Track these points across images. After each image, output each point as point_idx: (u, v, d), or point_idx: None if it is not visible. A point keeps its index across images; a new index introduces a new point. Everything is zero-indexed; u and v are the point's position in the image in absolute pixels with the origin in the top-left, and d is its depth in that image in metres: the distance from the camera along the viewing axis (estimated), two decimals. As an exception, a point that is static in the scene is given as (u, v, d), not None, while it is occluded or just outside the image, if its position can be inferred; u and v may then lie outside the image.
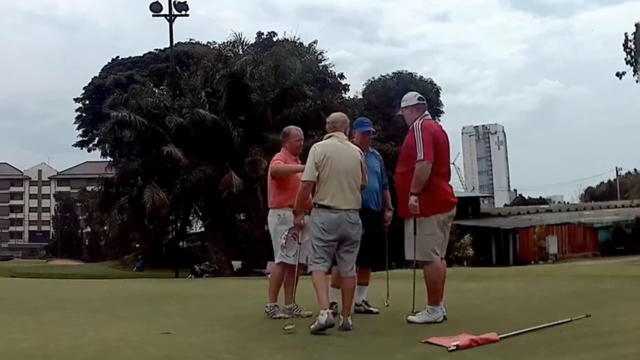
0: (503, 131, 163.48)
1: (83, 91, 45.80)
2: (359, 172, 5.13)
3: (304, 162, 5.42)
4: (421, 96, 5.67)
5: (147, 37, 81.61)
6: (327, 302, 4.94)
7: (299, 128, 6.27)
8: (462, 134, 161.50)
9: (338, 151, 5.11)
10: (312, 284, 5.06)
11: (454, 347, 3.96)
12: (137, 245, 35.65)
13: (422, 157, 5.10)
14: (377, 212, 5.93)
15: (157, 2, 27.43)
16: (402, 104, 5.58)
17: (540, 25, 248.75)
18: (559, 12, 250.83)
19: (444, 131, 5.59)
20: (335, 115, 5.50)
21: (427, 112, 5.55)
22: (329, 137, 5.27)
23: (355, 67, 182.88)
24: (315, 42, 34.02)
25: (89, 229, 78.56)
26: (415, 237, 5.17)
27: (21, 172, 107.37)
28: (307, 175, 5.10)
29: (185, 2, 27.41)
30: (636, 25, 24.18)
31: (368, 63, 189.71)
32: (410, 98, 5.59)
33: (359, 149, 5.34)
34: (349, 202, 5.04)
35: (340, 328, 4.94)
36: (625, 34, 24.15)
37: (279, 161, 5.84)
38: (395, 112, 5.77)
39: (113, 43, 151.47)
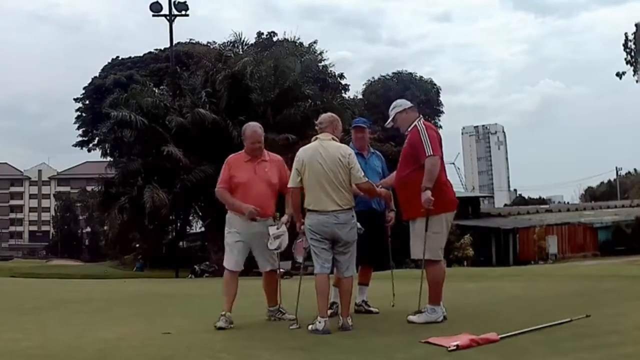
0: (503, 131, 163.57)
1: (83, 91, 45.83)
2: (340, 171, 5.04)
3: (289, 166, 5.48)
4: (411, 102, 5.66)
5: (148, 37, 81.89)
6: (326, 310, 4.97)
7: (259, 126, 5.87)
8: (462, 134, 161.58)
9: (316, 154, 5.09)
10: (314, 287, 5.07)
11: (454, 347, 3.96)
12: (137, 245, 35.64)
13: (431, 153, 5.11)
14: (379, 212, 5.91)
15: (157, 2, 27.45)
16: (397, 110, 5.50)
17: (542, 26, 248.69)
18: (561, 12, 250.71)
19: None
20: (322, 116, 5.49)
21: (420, 116, 5.51)
22: (315, 139, 5.30)
23: (357, 67, 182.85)
24: (315, 42, 34.16)
25: (89, 229, 78.66)
26: (425, 235, 5.14)
27: (21, 172, 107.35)
28: (290, 182, 5.20)
29: (185, 2, 27.43)
30: (636, 25, 24.17)
31: (370, 63, 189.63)
32: (403, 103, 5.58)
33: (345, 147, 5.25)
34: (333, 204, 5.00)
35: (340, 328, 4.95)
36: (625, 34, 24.15)
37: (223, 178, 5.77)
38: (387, 124, 5.67)
39: (114, 43, 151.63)
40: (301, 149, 5.28)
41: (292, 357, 4.13)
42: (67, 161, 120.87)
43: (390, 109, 5.57)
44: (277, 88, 25.24)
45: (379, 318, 5.71)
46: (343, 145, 5.26)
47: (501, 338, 4.21)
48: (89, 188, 61.92)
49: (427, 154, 5.10)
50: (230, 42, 29.24)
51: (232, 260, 5.51)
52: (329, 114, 5.54)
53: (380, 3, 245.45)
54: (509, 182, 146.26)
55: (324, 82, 31.52)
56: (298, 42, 31.75)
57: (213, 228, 26.38)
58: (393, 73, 44.19)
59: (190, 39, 39.56)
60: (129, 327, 5.36)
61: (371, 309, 5.98)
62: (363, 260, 5.73)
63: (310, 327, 4.94)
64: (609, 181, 77.47)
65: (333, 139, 5.23)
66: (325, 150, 5.11)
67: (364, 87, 43.46)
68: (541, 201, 74.09)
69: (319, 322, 4.88)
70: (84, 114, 44.91)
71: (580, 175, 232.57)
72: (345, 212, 5.04)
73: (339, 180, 5.03)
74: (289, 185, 5.25)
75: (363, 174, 5.13)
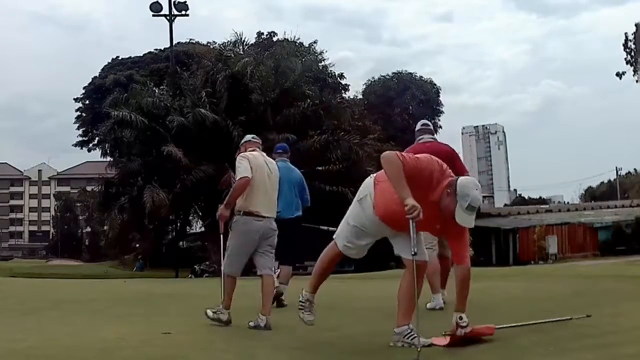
0: (503, 131, 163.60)
1: (83, 91, 45.85)
2: (277, 182, 5.65)
3: None
4: (424, 123, 6.51)
5: (150, 37, 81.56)
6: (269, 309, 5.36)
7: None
8: (462, 134, 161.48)
9: (263, 162, 5.53)
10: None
11: (449, 334, 4.02)
12: (137, 245, 35.65)
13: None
14: (301, 219, 7.10)
15: (157, 2, 27.46)
16: None
17: (543, 26, 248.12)
18: (563, 12, 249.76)
19: (436, 147, 5.91)
20: (250, 135, 5.99)
21: (423, 136, 6.19)
22: (253, 150, 5.63)
23: (358, 67, 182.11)
24: (315, 42, 34.15)
25: (89, 229, 78.65)
26: None
27: (21, 172, 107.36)
28: (246, 172, 5.26)
29: (185, 2, 27.44)
30: (636, 25, 24.16)
31: (371, 63, 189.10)
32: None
33: (274, 163, 5.87)
34: (271, 211, 5.50)
35: (264, 327, 5.19)
36: (625, 33, 24.14)
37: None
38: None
39: (116, 43, 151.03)
40: (247, 153, 5.52)
41: (292, 357, 4.13)
42: (67, 161, 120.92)
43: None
44: (278, 88, 25.26)
45: (379, 318, 5.71)
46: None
47: (497, 328, 4.24)
48: (89, 188, 61.87)
49: None
50: (231, 42, 29.23)
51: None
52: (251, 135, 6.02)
53: (381, 3, 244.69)
54: (509, 182, 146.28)
55: (323, 82, 31.52)
56: (298, 42, 31.76)
57: (213, 228, 26.42)
58: (393, 73, 44.14)
59: (190, 39, 39.60)
60: (129, 327, 5.36)
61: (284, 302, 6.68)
62: (285, 261, 6.81)
63: (250, 323, 5.26)
64: (609, 181, 77.39)
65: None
66: (269, 161, 5.64)
67: (364, 87, 43.47)
68: (541, 201, 74.02)
69: (224, 313, 5.36)
70: (84, 114, 44.96)
71: (580, 175, 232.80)
72: (273, 220, 5.54)
73: (275, 190, 5.59)
74: (244, 175, 5.22)
75: None
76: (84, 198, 69.18)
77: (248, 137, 5.91)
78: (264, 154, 5.66)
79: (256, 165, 5.37)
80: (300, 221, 7.05)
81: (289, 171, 7.05)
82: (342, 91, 35.18)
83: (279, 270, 7.34)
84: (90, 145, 44.09)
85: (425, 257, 4.25)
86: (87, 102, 44.95)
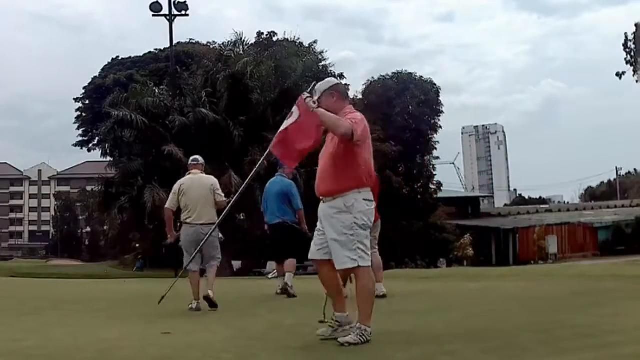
0: (503, 131, 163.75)
1: (83, 91, 45.84)
2: (211, 196, 7.11)
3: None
4: None
5: (151, 37, 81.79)
6: (198, 295, 6.82)
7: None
8: (462, 133, 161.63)
9: (192, 184, 7.19)
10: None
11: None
12: (137, 245, 35.63)
13: None
14: (276, 224, 8.15)
15: (157, 2, 27.40)
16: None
17: (544, 26, 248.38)
18: (563, 12, 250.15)
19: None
20: (198, 157, 7.53)
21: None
22: (189, 173, 7.36)
23: (360, 67, 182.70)
24: (315, 42, 34.04)
25: (89, 229, 78.78)
26: None
27: (21, 172, 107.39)
28: (168, 204, 7.38)
29: (185, 2, 27.36)
30: (636, 25, 24.15)
31: (372, 63, 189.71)
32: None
33: (212, 178, 7.40)
34: (201, 219, 7.01)
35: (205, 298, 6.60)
36: (625, 34, 24.13)
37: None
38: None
39: (117, 43, 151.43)
40: (179, 181, 7.32)
41: (292, 357, 4.13)
42: (67, 161, 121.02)
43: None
44: (278, 88, 25.25)
45: (379, 318, 5.70)
46: (211, 177, 7.45)
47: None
48: (89, 188, 61.96)
49: None
50: (231, 42, 29.19)
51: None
52: (194, 157, 7.54)
53: (383, 3, 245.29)
54: (509, 182, 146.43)
55: (324, 82, 31.44)
56: (298, 42, 31.71)
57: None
58: (393, 73, 43.94)
59: (190, 39, 39.58)
60: (129, 327, 5.36)
61: (291, 292, 7.55)
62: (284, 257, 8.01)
63: (189, 306, 6.74)
64: (609, 181, 77.53)
65: (202, 172, 7.36)
66: (199, 181, 7.23)
67: (364, 87, 43.40)
68: (541, 201, 74.16)
69: (193, 304, 6.79)
70: (84, 114, 44.96)
71: (580, 175, 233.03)
72: (209, 226, 6.85)
73: (207, 203, 7.06)
74: (166, 207, 7.42)
75: (223, 196, 7.19)
76: (84, 198, 69.29)
77: (191, 159, 7.53)
78: (196, 173, 7.30)
79: (187, 187, 7.17)
80: (285, 224, 8.12)
81: (273, 185, 8.39)
82: (342, 91, 35.11)
83: (278, 267, 8.32)
84: (90, 145, 44.11)
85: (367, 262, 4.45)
86: (87, 102, 44.94)
